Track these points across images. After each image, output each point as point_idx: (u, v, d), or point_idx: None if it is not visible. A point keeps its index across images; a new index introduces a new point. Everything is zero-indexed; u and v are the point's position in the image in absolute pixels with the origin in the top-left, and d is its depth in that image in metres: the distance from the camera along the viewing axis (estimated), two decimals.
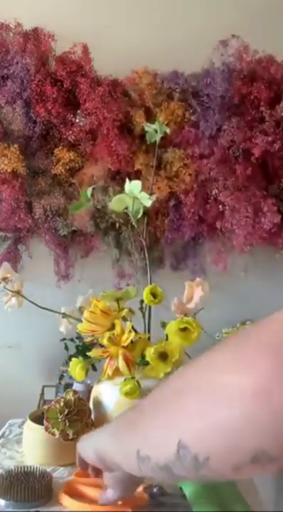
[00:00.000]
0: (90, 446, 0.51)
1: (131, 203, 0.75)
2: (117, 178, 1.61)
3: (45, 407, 0.73)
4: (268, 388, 0.33)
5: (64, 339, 1.47)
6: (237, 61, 1.69)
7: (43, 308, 0.83)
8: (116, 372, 0.73)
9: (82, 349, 1.45)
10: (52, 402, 0.72)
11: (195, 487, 0.64)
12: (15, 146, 1.54)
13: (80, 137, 1.58)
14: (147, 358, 0.72)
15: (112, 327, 0.73)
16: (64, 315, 0.79)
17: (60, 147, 1.58)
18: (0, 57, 1.59)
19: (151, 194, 0.84)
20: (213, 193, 1.67)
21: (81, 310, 0.77)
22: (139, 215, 0.76)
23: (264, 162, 1.70)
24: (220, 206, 1.65)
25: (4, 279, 0.77)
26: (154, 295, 0.75)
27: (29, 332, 1.60)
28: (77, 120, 1.58)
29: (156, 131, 0.79)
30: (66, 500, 0.63)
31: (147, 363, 0.72)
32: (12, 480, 0.63)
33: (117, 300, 0.76)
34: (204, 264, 1.71)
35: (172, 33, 1.64)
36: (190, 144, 1.66)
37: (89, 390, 0.87)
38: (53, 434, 0.70)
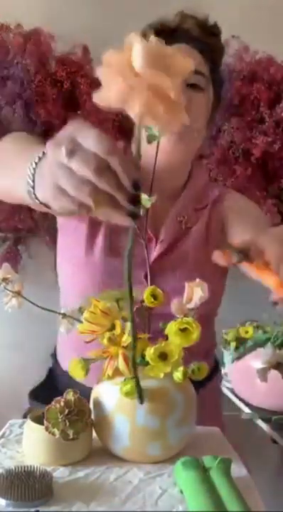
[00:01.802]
0: None
1: None
2: None
3: (46, 407, 0.73)
4: None
5: None
6: (236, 61, 1.70)
7: (43, 308, 0.84)
8: (117, 372, 0.73)
9: None
10: (53, 402, 0.72)
11: (191, 484, 0.64)
12: None
13: None
14: (147, 358, 0.72)
15: (112, 327, 0.73)
16: (64, 315, 0.79)
17: None
18: (0, 57, 1.59)
19: (150, 195, 0.84)
20: None
21: (81, 310, 0.78)
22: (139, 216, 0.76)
23: (264, 163, 1.70)
24: None
25: (4, 279, 0.77)
26: (155, 296, 0.75)
27: (29, 332, 1.60)
28: None
29: (156, 133, 0.79)
30: None
31: (147, 363, 0.72)
32: (12, 480, 0.63)
33: (117, 300, 0.76)
34: None
35: None
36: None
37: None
38: (53, 434, 0.70)
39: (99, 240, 1.01)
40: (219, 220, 1.08)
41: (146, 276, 1.00)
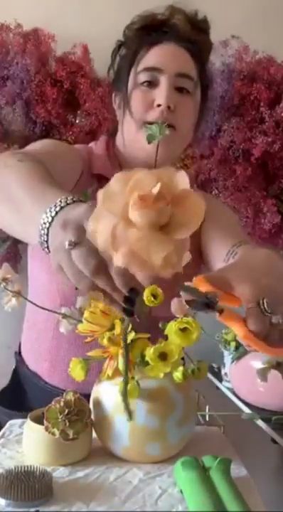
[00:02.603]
0: None
1: None
2: None
3: (45, 407, 0.73)
4: None
5: None
6: (237, 62, 1.70)
7: (43, 308, 0.84)
8: (116, 372, 0.73)
9: None
10: (53, 402, 0.72)
11: (191, 484, 0.64)
12: (16, 146, 1.54)
13: (80, 138, 1.58)
14: (147, 358, 0.72)
15: (112, 327, 0.73)
16: (64, 315, 0.79)
17: None
18: (0, 57, 1.59)
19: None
20: (213, 193, 1.68)
21: (81, 310, 0.78)
22: None
23: (264, 163, 1.70)
24: None
25: (4, 279, 0.77)
26: (155, 296, 0.75)
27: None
28: (77, 121, 1.58)
29: (156, 133, 0.79)
30: None
31: (147, 363, 0.72)
32: (12, 479, 0.63)
33: None
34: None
35: None
36: (190, 144, 1.67)
37: None
38: (53, 434, 0.70)
39: None
40: None
41: None
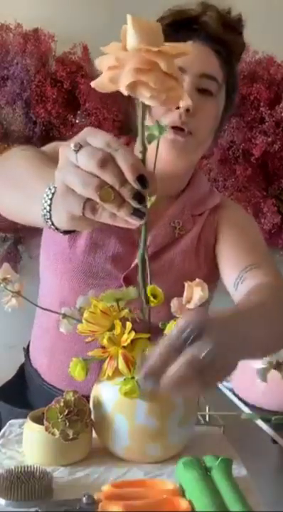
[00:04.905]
0: None
1: None
2: None
3: (45, 407, 0.73)
4: None
5: None
6: None
7: (43, 308, 0.84)
8: (116, 372, 0.73)
9: None
10: (53, 402, 0.72)
11: (193, 484, 0.64)
12: (15, 146, 1.54)
13: None
14: None
15: (112, 327, 0.73)
16: (64, 315, 0.79)
17: None
18: (0, 57, 1.59)
19: (150, 195, 0.83)
20: None
21: (81, 311, 0.78)
22: None
23: (264, 163, 1.70)
24: None
25: (4, 279, 0.77)
26: (154, 296, 0.75)
27: (29, 332, 1.59)
28: (77, 121, 1.58)
29: (157, 133, 0.79)
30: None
31: None
32: (12, 480, 0.63)
33: (117, 300, 0.76)
34: None
35: None
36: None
37: None
38: (53, 434, 0.70)
39: (82, 235, 0.96)
40: (212, 228, 1.02)
41: (125, 281, 0.94)
